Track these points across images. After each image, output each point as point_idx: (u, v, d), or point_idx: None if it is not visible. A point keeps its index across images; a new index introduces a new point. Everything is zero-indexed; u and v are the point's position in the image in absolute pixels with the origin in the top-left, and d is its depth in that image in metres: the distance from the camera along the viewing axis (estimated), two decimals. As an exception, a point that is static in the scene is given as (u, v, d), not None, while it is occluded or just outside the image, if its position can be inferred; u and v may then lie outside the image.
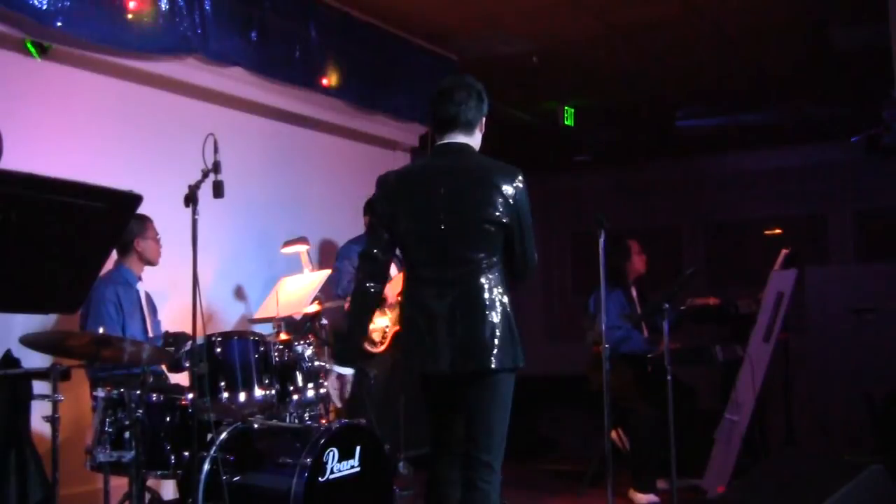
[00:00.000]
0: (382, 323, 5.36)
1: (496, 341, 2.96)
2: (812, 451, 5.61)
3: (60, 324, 4.34)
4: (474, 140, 3.15)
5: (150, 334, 4.39)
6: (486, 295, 2.98)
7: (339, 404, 3.41)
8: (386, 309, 5.41)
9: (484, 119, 3.18)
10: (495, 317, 2.97)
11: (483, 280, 2.99)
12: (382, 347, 5.34)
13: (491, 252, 3.01)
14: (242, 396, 3.95)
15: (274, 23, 5.33)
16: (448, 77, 3.22)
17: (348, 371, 3.12)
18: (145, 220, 4.35)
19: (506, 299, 3.01)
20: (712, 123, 8.67)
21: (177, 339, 4.22)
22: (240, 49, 5.14)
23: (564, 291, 10.81)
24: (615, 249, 5.61)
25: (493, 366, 2.95)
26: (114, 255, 4.35)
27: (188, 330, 3.45)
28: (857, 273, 7.25)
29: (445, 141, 3.12)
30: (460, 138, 3.11)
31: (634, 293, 5.71)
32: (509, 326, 2.99)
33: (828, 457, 4.87)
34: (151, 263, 4.44)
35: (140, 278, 4.41)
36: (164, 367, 4.40)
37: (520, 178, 3.05)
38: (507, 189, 3.02)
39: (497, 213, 3.00)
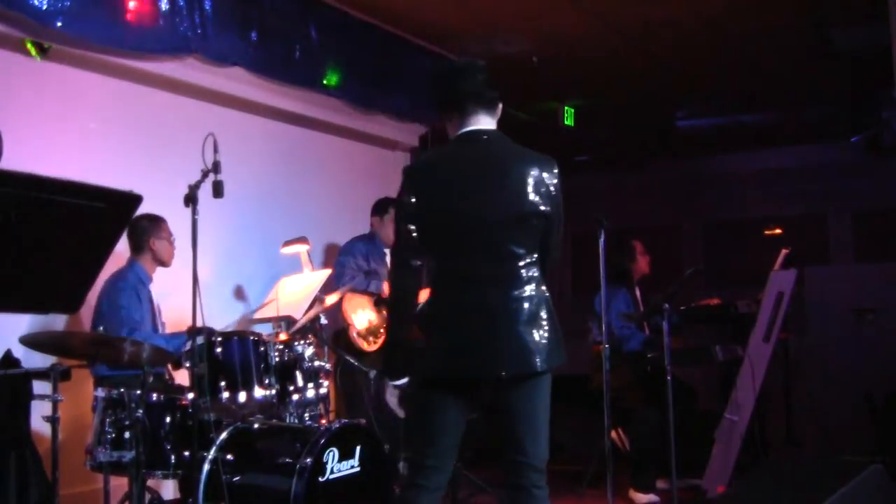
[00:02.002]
0: (377, 320, 5.36)
1: (546, 341, 2.82)
2: (812, 451, 5.62)
3: (60, 324, 4.34)
4: (495, 125, 2.98)
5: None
6: (532, 291, 2.83)
7: (400, 414, 3.32)
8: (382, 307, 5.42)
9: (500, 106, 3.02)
10: (544, 314, 2.84)
11: (528, 275, 2.84)
12: (377, 346, 5.34)
13: (533, 245, 2.87)
14: (242, 396, 3.95)
15: (274, 23, 5.33)
16: (456, 61, 3.06)
17: (401, 382, 3.02)
18: (160, 221, 4.36)
19: (548, 295, 2.89)
20: (712, 123, 8.68)
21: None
22: (240, 49, 5.14)
23: (564, 291, 10.80)
24: (620, 250, 5.64)
25: (544, 367, 2.81)
26: (126, 253, 4.37)
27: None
28: (857, 273, 7.25)
29: (472, 127, 2.92)
30: (486, 123, 2.93)
31: (638, 293, 5.73)
32: (556, 325, 2.87)
33: (828, 457, 4.88)
34: (164, 264, 4.43)
35: (151, 279, 4.41)
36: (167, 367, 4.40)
37: (556, 167, 2.93)
38: (549, 179, 2.89)
39: (541, 204, 2.86)
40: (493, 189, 2.84)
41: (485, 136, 2.93)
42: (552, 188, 2.90)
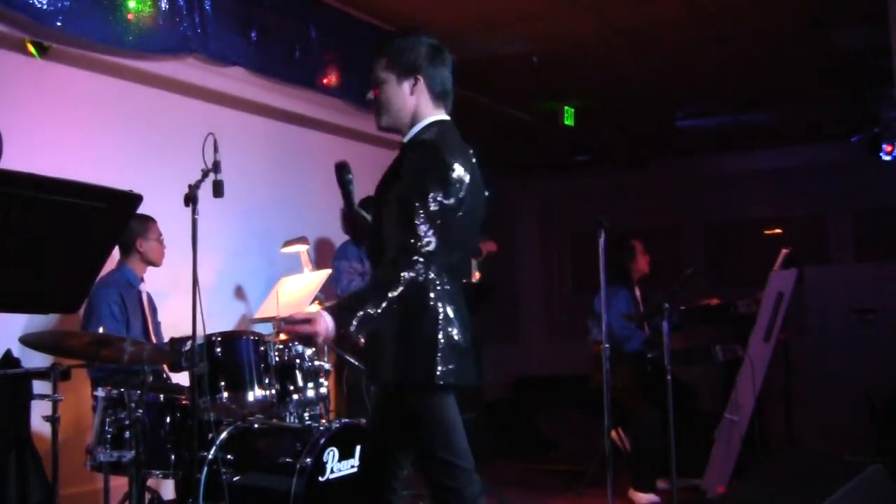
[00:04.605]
0: None
1: None
2: (812, 451, 5.61)
3: (60, 324, 4.34)
4: None
5: (152, 335, 4.38)
6: None
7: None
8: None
9: None
10: None
11: None
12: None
13: None
14: (242, 396, 3.95)
15: (274, 23, 5.33)
16: (433, 37, 2.66)
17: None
18: (148, 221, 4.33)
19: None
20: (712, 123, 8.67)
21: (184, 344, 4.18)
22: (240, 49, 5.14)
23: (564, 291, 10.80)
24: (620, 249, 5.64)
25: None
26: (116, 255, 4.36)
27: (188, 330, 3.44)
28: (857, 273, 7.24)
29: (446, 118, 2.66)
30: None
31: (638, 293, 5.73)
32: None
33: (828, 457, 4.87)
34: (154, 264, 4.42)
35: (142, 279, 4.41)
36: (164, 367, 4.39)
37: None
38: None
39: None
40: (477, 190, 2.59)
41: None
42: None
